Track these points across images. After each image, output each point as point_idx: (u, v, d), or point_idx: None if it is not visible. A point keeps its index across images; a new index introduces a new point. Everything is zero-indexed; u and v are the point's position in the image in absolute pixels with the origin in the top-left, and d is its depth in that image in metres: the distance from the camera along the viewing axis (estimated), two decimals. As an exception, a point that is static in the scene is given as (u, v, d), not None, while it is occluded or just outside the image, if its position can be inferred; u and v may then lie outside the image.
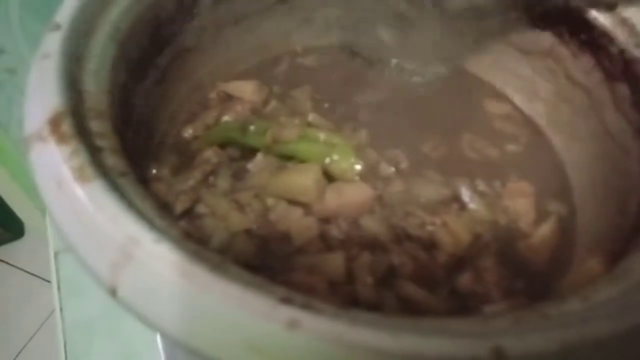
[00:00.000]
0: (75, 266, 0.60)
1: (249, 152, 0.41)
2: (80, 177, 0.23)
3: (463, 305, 0.32)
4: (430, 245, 0.36)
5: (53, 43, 0.29)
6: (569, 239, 0.36)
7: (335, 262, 0.33)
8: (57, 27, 0.30)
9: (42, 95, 0.26)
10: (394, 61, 0.48)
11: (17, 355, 1.18)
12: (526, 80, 0.43)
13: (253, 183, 0.39)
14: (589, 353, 0.20)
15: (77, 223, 0.22)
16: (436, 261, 0.35)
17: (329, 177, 0.38)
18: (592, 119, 0.38)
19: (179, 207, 0.36)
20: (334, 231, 0.36)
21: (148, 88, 0.37)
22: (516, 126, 0.43)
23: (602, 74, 0.37)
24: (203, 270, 0.21)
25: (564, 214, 0.38)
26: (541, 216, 0.37)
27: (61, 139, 0.24)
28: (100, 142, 0.26)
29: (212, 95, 0.45)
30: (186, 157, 0.41)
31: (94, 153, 0.25)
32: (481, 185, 0.38)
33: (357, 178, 0.38)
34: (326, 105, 0.45)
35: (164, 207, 0.25)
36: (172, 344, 0.44)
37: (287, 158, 0.40)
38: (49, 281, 1.27)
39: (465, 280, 0.33)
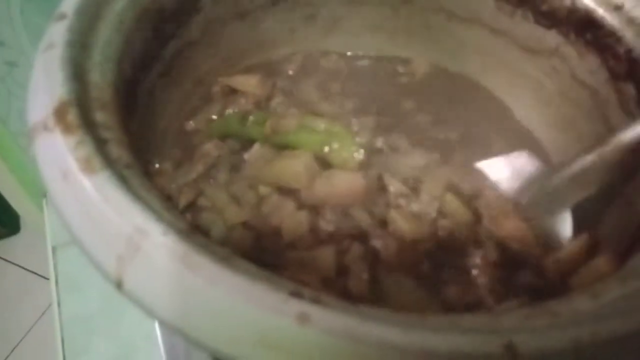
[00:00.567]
0: (73, 261, 0.59)
1: (249, 144, 0.41)
2: (86, 167, 0.23)
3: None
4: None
5: (58, 33, 0.28)
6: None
7: (326, 257, 0.33)
8: (63, 16, 0.29)
9: (47, 85, 0.26)
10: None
11: (12, 351, 1.17)
12: (530, 79, 0.43)
13: (247, 173, 0.39)
14: (600, 351, 0.20)
15: (83, 214, 0.22)
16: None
17: (329, 165, 0.38)
18: (597, 119, 0.38)
19: (183, 201, 0.36)
20: (324, 222, 0.36)
21: (152, 81, 0.37)
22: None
23: (608, 73, 0.37)
24: (210, 263, 0.20)
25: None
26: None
27: (67, 129, 0.24)
28: (105, 134, 0.26)
29: (216, 89, 0.45)
30: (189, 150, 0.41)
31: (99, 144, 0.25)
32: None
33: (356, 167, 0.38)
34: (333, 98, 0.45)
35: (168, 200, 0.25)
36: (173, 335, 0.44)
37: (286, 148, 0.40)
38: (45, 277, 1.26)
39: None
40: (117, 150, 0.25)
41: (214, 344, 0.20)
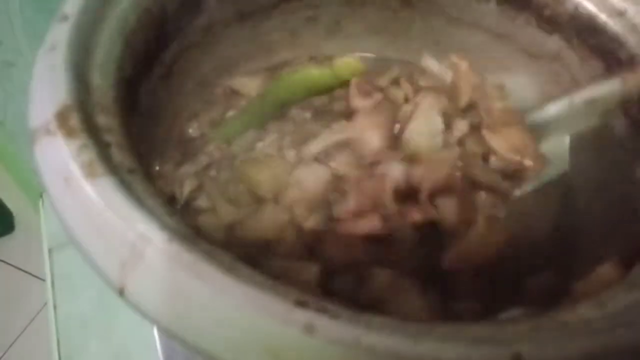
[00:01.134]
0: (69, 263, 0.59)
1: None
2: (89, 173, 0.22)
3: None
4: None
5: (60, 34, 0.28)
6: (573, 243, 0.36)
7: (309, 273, 0.32)
8: (65, 18, 0.29)
9: (49, 88, 0.26)
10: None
11: (4, 353, 1.16)
12: (532, 84, 0.43)
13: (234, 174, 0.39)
14: (609, 361, 0.20)
15: (85, 220, 0.22)
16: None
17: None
18: (601, 127, 0.38)
19: (187, 189, 0.36)
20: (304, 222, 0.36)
21: (153, 83, 0.37)
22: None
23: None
24: (216, 272, 0.20)
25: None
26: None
27: (69, 133, 0.24)
28: (107, 137, 0.26)
29: (218, 90, 0.45)
30: (190, 153, 0.40)
31: (102, 148, 0.24)
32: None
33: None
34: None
35: (171, 204, 0.25)
36: (172, 340, 0.44)
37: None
38: (38, 277, 1.25)
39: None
40: (120, 155, 0.25)
41: (219, 353, 0.20)
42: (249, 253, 0.34)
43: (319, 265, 0.32)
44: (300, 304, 0.20)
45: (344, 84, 0.45)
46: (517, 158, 0.39)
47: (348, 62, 0.45)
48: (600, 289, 0.24)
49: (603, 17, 0.37)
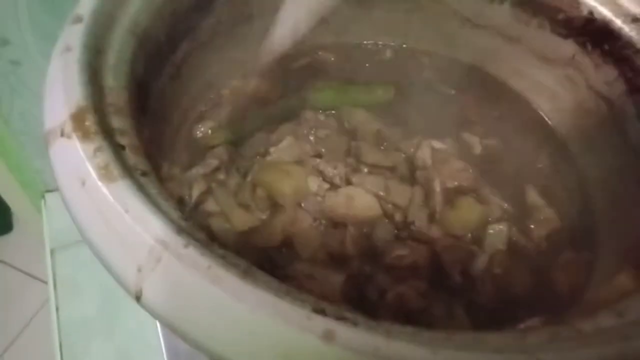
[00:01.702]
0: (71, 264, 0.59)
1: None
2: (105, 176, 0.22)
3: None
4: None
5: (75, 35, 0.28)
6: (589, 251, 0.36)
7: (334, 280, 0.33)
8: (79, 19, 0.29)
9: (64, 89, 0.25)
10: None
11: (4, 352, 1.16)
12: (546, 88, 0.43)
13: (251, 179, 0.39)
14: (627, 372, 0.20)
15: (102, 223, 0.22)
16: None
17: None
18: (613, 130, 0.38)
19: (195, 192, 0.36)
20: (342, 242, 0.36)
21: (163, 84, 0.37)
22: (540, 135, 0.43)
23: (625, 85, 0.37)
24: (234, 277, 0.20)
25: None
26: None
27: (85, 135, 0.23)
28: (121, 140, 0.25)
29: (226, 92, 0.44)
30: (198, 156, 0.40)
31: (116, 151, 0.24)
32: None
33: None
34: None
35: (179, 205, 0.24)
36: (176, 340, 0.44)
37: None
38: (37, 277, 1.25)
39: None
40: (134, 157, 0.25)
41: (235, 358, 0.20)
42: (266, 256, 0.35)
43: (344, 275, 0.33)
44: (318, 311, 0.20)
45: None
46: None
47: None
48: (617, 298, 0.24)
49: (618, 22, 0.37)
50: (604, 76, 0.39)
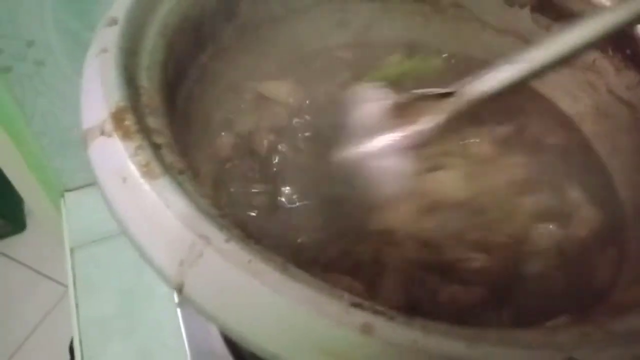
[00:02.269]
0: (91, 263, 0.60)
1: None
2: (147, 173, 0.23)
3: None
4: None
5: (110, 38, 0.29)
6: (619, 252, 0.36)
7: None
8: (114, 21, 0.30)
9: (102, 90, 0.26)
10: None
11: (15, 352, 1.17)
12: (569, 92, 0.43)
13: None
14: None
15: (144, 219, 0.22)
16: None
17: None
18: (636, 135, 0.38)
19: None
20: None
21: (189, 86, 0.37)
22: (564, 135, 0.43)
23: (649, 90, 0.37)
24: (274, 271, 0.21)
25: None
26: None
27: (125, 134, 0.24)
28: (158, 139, 0.26)
29: (247, 96, 0.45)
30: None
31: (155, 149, 0.25)
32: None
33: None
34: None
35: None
36: (198, 341, 0.44)
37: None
38: (49, 277, 1.26)
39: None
40: (170, 156, 0.26)
41: (276, 350, 0.20)
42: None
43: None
44: (356, 305, 0.20)
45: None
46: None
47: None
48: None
49: (638, 26, 0.37)
50: (626, 81, 0.39)
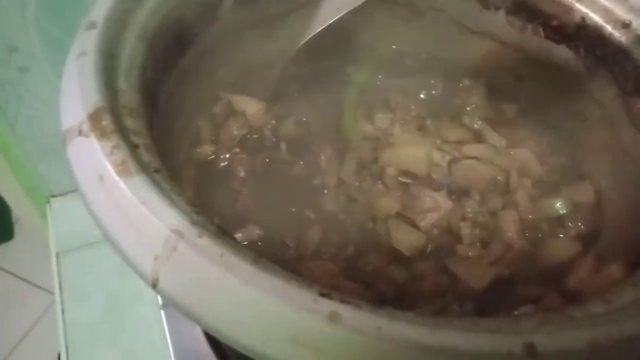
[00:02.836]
0: (76, 268, 0.59)
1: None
2: (123, 171, 0.24)
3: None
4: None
5: (89, 41, 0.29)
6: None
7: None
8: (93, 25, 0.30)
9: (80, 92, 0.27)
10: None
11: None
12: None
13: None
14: (614, 352, 0.21)
15: (120, 216, 0.23)
16: None
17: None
18: (607, 134, 0.39)
19: None
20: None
21: (170, 88, 0.38)
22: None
23: (617, 89, 0.38)
24: (246, 264, 0.21)
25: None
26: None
27: (102, 134, 0.25)
28: (135, 139, 0.27)
29: (220, 104, 0.46)
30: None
31: (132, 149, 0.25)
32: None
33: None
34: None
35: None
36: (183, 344, 0.44)
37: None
38: (37, 285, 1.25)
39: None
40: (147, 155, 0.26)
41: (248, 341, 0.21)
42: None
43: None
44: (324, 295, 0.21)
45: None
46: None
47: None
48: (607, 287, 0.26)
49: (609, 28, 0.39)
50: (597, 80, 0.40)
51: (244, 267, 0.21)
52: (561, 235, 0.38)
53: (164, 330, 0.49)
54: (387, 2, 0.48)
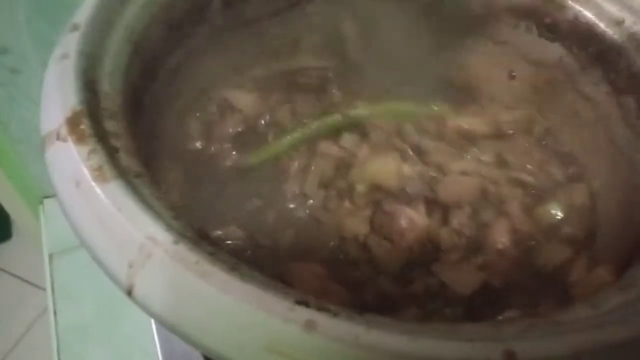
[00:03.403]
0: (69, 269, 0.59)
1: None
2: (99, 176, 0.23)
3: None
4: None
5: (72, 43, 0.29)
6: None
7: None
8: (76, 27, 0.30)
9: (60, 95, 0.27)
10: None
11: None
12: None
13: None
14: (598, 358, 0.21)
15: (95, 222, 0.23)
16: None
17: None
18: (600, 132, 0.39)
19: None
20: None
21: (157, 89, 0.37)
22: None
23: (610, 87, 0.38)
24: (221, 272, 0.21)
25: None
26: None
27: (80, 138, 0.24)
28: (115, 142, 0.26)
29: (213, 102, 0.45)
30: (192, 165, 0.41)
31: (110, 153, 0.25)
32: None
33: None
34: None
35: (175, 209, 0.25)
36: (171, 344, 0.44)
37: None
38: (36, 285, 1.25)
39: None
40: (127, 159, 0.26)
41: (223, 350, 0.21)
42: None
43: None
44: (301, 302, 0.20)
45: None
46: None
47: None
48: (594, 291, 0.25)
49: (602, 25, 0.38)
50: (590, 78, 0.40)
51: (219, 275, 0.21)
52: (555, 240, 0.37)
53: (154, 333, 0.49)
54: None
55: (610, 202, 0.38)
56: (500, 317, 0.28)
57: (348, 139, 0.43)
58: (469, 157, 0.42)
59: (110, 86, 0.30)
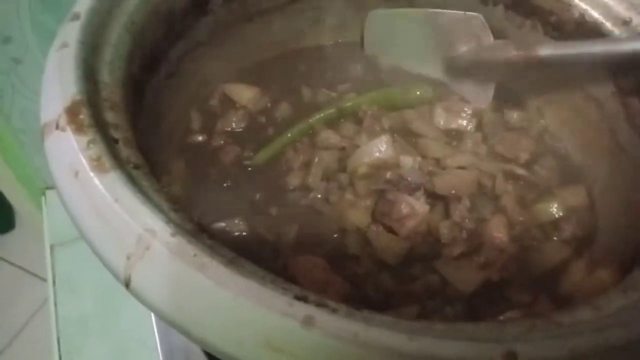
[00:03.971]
0: (70, 261, 0.59)
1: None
2: (97, 167, 0.23)
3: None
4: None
5: (72, 32, 0.29)
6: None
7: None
8: (77, 16, 0.30)
9: (59, 84, 0.26)
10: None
11: (3, 350, 1.16)
12: (541, 91, 0.44)
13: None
14: (599, 360, 0.21)
15: (93, 213, 0.22)
16: None
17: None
18: (605, 133, 0.38)
19: None
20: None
21: (159, 81, 0.37)
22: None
23: (615, 87, 0.38)
24: (219, 265, 0.21)
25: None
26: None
27: (79, 128, 0.24)
28: (115, 133, 0.26)
29: (214, 95, 0.45)
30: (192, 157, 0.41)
31: (110, 144, 0.25)
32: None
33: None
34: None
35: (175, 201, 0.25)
36: (171, 337, 0.44)
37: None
38: (38, 276, 1.25)
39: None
40: (126, 150, 0.26)
41: (221, 344, 0.20)
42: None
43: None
44: (300, 298, 0.20)
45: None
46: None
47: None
48: (597, 293, 0.25)
49: (608, 25, 0.38)
50: (595, 77, 0.39)
51: (218, 268, 0.20)
52: (555, 239, 0.37)
53: (153, 326, 0.49)
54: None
55: (612, 203, 0.38)
56: (501, 318, 0.27)
57: (346, 127, 0.43)
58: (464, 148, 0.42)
59: (110, 76, 0.29)
